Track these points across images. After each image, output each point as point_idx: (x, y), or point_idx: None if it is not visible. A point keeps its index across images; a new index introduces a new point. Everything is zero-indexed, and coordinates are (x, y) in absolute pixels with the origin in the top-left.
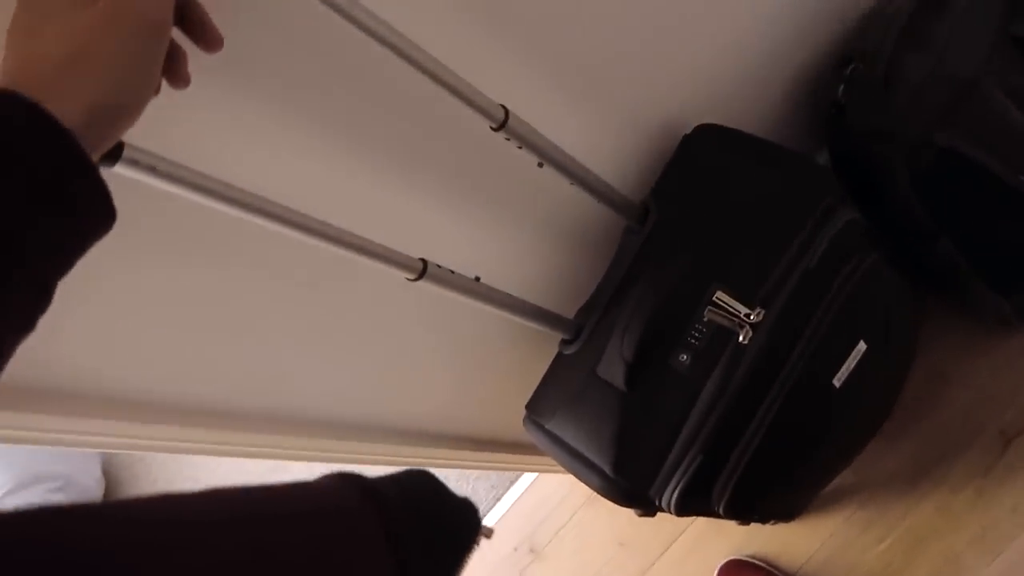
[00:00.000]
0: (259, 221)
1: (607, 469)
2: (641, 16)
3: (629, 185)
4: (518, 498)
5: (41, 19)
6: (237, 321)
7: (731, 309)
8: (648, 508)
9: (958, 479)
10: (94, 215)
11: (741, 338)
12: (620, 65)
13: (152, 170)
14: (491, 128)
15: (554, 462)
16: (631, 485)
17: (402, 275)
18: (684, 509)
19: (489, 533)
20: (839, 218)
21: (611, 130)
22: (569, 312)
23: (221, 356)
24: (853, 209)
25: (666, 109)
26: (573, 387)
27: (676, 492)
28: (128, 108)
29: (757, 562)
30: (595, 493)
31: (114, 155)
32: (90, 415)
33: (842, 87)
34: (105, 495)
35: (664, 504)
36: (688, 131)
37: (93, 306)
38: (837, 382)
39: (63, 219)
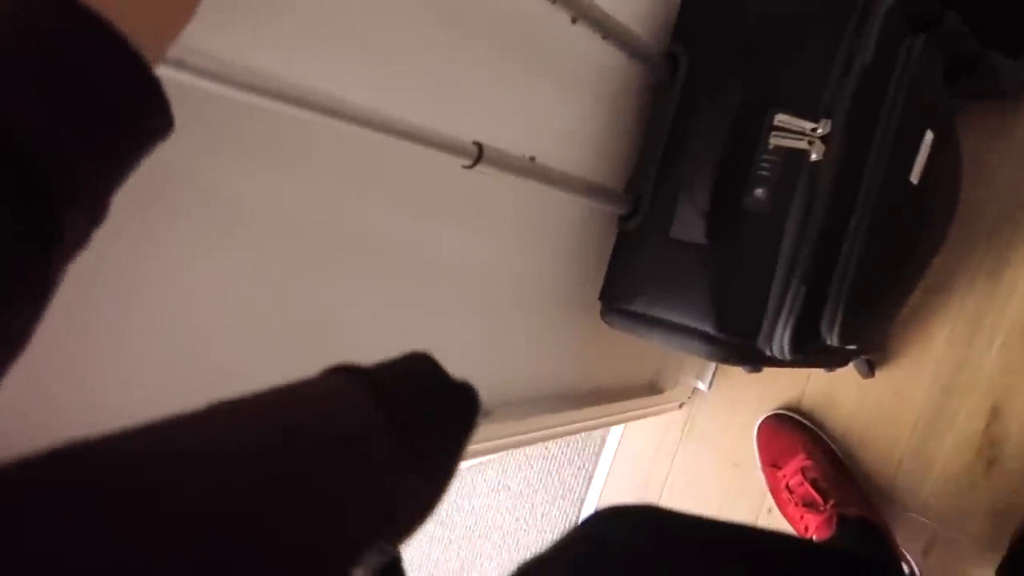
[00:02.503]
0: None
1: (710, 329)
2: None
3: (653, 37)
4: (610, 468)
5: None
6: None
7: (796, 128)
8: (757, 361)
9: None
10: (154, 126)
11: (814, 156)
12: None
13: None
14: None
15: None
16: (738, 338)
17: (458, 161)
18: (796, 349)
19: (488, 414)
20: (879, 7)
21: None
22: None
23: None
24: None
25: None
26: (649, 258)
27: (786, 332)
28: None
29: (795, 415)
30: (688, 425)
31: None
32: None
33: None
34: None
35: (775, 350)
36: None
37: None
38: (914, 178)
39: (122, 134)
